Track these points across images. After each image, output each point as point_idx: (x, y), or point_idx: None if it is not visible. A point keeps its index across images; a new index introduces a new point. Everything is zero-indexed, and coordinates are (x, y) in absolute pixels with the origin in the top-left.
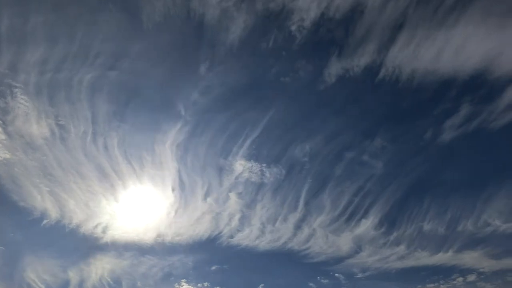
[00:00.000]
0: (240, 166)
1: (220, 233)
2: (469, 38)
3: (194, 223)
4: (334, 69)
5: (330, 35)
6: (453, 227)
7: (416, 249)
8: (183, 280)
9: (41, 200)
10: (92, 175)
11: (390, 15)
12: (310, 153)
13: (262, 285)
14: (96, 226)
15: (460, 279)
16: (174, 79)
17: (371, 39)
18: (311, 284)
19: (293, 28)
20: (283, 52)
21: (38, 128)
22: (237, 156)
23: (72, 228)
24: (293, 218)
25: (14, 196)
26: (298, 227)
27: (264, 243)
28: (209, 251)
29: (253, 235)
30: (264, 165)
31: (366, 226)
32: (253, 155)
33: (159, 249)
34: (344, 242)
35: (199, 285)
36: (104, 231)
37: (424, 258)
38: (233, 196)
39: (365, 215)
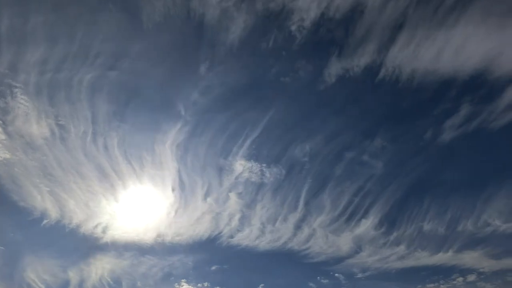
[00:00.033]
0: (240, 166)
1: (220, 233)
2: (469, 38)
3: (194, 223)
4: (334, 69)
5: (330, 35)
6: (453, 227)
7: (416, 249)
8: (183, 280)
9: (41, 200)
10: (92, 175)
11: (390, 15)
12: (310, 153)
13: (262, 285)
14: (96, 226)
15: (460, 279)
16: (174, 79)
17: (371, 39)
18: (311, 284)
19: (293, 28)
20: (283, 52)
21: (38, 128)
22: (237, 156)
23: (72, 228)
24: (293, 218)
25: (14, 196)
26: (298, 227)
27: (264, 243)
28: (209, 251)
29: (253, 235)
30: (264, 165)
31: (366, 226)
32: (253, 155)
33: (159, 249)
34: (344, 242)
35: (199, 285)
36: (104, 231)
37: (424, 258)
38: (233, 196)
39: (365, 215)
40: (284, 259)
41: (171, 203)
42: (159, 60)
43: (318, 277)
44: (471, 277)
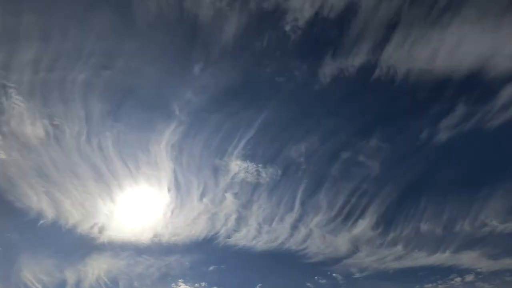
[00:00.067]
0: (236, 166)
1: (217, 233)
2: (464, 37)
3: (191, 223)
4: (329, 68)
5: (325, 35)
6: (450, 227)
7: (414, 249)
8: (180, 280)
9: (37, 200)
10: (87, 176)
11: (384, 15)
12: (305, 153)
13: (259, 285)
14: (92, 227)
15: (458, 279)
16: (168, 79)
17: (366, 38)
18: (308, 284)
19: (287, 27)
20: (278, 52)
21: (33, 129)
22: (232, 156)
23: (69, 229)
24: (290, 218)
25: (10, 196)
26: (294, 227)
27: (261, 243)
28: (206, 251)
29: (250, 235)
30: (260, 165)
31: (363, 226)
32: (248, 156)
33: (156, 249)
34: (341, 242)
35: (196, 285)
36: (100, 231)
37: (421, 259)
38: (229, 196)
39: (361, 215)
40: (281, 259)
41: (167, 204)
42: (153, 59)
43: (316, 277)
44: (469, 277)
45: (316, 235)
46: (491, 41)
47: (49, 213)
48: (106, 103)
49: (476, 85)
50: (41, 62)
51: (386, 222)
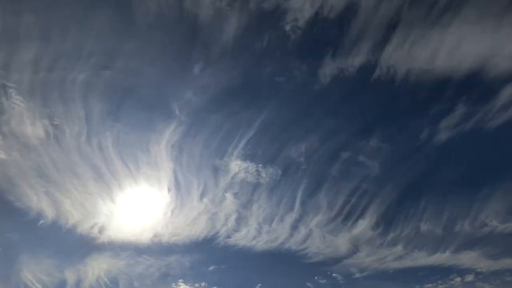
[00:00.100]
0: (236, 166)
1: (217, 233)
2: (464, 37)
3: (191, 223)
4: (329, 68)
5: (325, 35)
6: (450, 227)
7: (414, 249)
8: (180, 280)
9: (37, 200)
10: (87, 176)
11: (384, 15)
12: (305, 153)
13: (259, 285)
14: (92, 227)
15: (458, 279)
16: (168, 79)
17: (366, 38)
18: (308, 284)
19: (287, 28)
20: (278, 52)
21: (33, 129)
22: (232, 156)
23: (69, 229)
24: (290, 218)
25: (10, 196)
26: (295, 227)
27: (261, 243)
28: (206, 251)
29: (250, 235)
30: (260, 165)
31: (363, 226)
32: (248, 155)
33: (156, 249)
34: (341, 242)
35: (196, 285)
36: (100, 231)
37: (421, 259)
38: (229, 196)
39: (361, 215)
40: (281, 259)
41: (167, 204)
42: (153, 59)
43: (316, 277)
44: (469, 277)
45: (316, 235)
46: (491, 41)
47: (49, 213)
48: (106, 103)
49: (476, 85)
50: (41, 62)
51: (386, 222)
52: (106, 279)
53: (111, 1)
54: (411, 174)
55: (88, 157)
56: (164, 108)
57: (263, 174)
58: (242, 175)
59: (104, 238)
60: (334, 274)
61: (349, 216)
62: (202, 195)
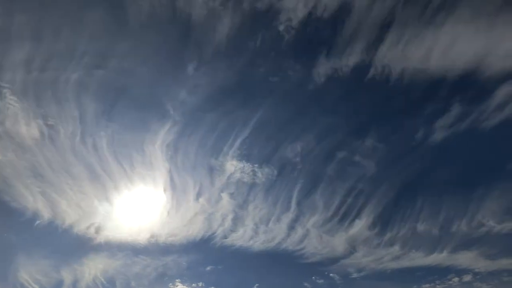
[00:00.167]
0: (232, 166)
1: (213, 233)
2: (458, 37)
3: (187, 223)
4: (323, 68)
5: (318, 35)
6: (447, 227)
7: (411, 249)
8: (177, 280)
9: (33, 200)
10: (83, 176)
11: (378, 14)
12: (301, 153)
13: (256, 285)
14: (89, 227)
15: (456, 279)
16: (162, 78)
17: (360, 38)
18: (306, 284)
19: (281, 27)
20: (272, 51)
21: (27, 129)
22: (228, 156)
23: (65, 229)
24: (286, 218)
25: (6, 196)
26: (291, 227)
27: (258, 244)
28: (203, 252)
29: (247, 236)
30: (256, 165)
31: (360, 226)
32: (244, 155)
33: (153, 249)
34: (338, 242)
35: (193, 285)
36: (97, 231)
37: (418, 259)
38: (225, 196)
39: (358, 215)
40: (278, 259)
41: (163, 204)
42: (146, 59)
43: (313, 277)
44: (467, 277)
45: (313, 235)
46: (485, 40)
47: (45, 213)
48: (99, 103)
49: (471, 85)
50: (34, 62)
51: (382, 222)
52: (103, 279)
53: (103, 0)
54: (407, 174)
55: (83, 157)
56: (158, 108)
57: (259, 174)
58: (238, 175)
59: (100, 238)
60: (331, 274)
61: (345, 216)
62: (198, 195)
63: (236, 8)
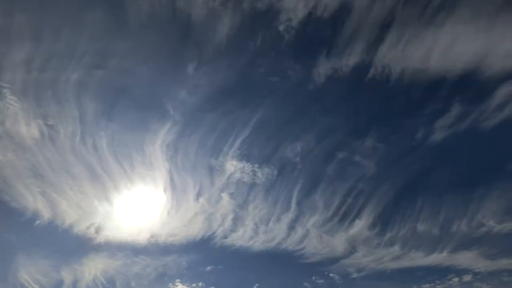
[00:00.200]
0: (232, 166)
1: (213, 233)
2: (458, 37)
3: (187, 223)
4: (323, 68)
5: (318, 35)
6: (447, 227)
7: (411, 249)
8: (177, 280)
9: (33, 200)
10: (83, 176)
11: (378, 14)
12: (301, 153)
13: (256, 285)
14: (89, 227)
15: (456, 279)
16: (162, 78)
17: (360, 38)
18: (306, 284)
19: (281, 27)
20: (272, 51)
21: (27, 129)
22: (228, 156)
23: (65, 229)
24: (286, 218)
25: (6, 196)
26: (291, 227)
27: (258, 244)
28: (203, 252)
29: (247, 236)
30: (256, 165)
31: (360, 226)
32: (244, 155)
33: (153, 249)
34: (338, 242)
35: (193, 285)
36: (97, 231)
37: (418, 259)
38: (225, 196)
39: (358, 215)
40: (278, 259)
41: (163, 204)
42: (146, 59)
43: (313, 277)
44: (467, 277)
45: (313, 235)
46: (485, 40)
47: (45, 213)
48: (99, 103)
49: (471, 85)
50: (34, 62)
51: (382, 222)
52: (103, 279)
53: (103, 0)
54: (407, 174)
55: (83, 157)
56: (158, 108)
57: (259, 174)
58: (238, 175)
59: (100, 238)
60: (331, 274)
61: (345, 216)
62: (198, 195)
63: (236, 8)
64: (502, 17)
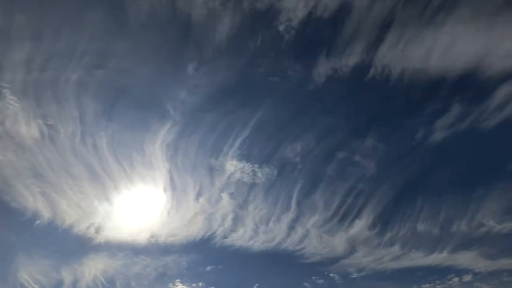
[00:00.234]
0: (232, 166)
1: (213, 233)
2: (458, 37)
3: (187, 223)
4: (323, 68)
5: (318, 35)
6: (447, 227)
7: (411, 249)
8: (177, 280)
9: (33, 200)
10: (83, 176)
11: (378, 14)
12: (301, 153)
13: (256, 285)
14: (89, 227)
15: (456, 279)
16: (162, 78)
17: (360, 38)
18: (306, 284)
19: (281, 27)
20: (272, 51)
21: (27, 129)
22: (228, 156)
23: (65, 229)
24: (286, 218)
25: (6, 196)
26: (291, 227)
27: (258, 244)
28: (203, 252)
29: (247, 236)
30: (256, 165)
31: (360, 226)
32: (244, 155)
33: (153, 249)
34: (338, 242)
35: (193, 285)
36: (97, 231)
37: (418, 259)
38: (225, 196)
39: (358, 215)
40: (278, 259)
41: (164, 204)
42: (146, 59)
43: (313, 277)
44: (467, 277)
45: (313, 235)
46: (485, 40)
47: (45, 213)
48: (99, 103)
49: (471, 85)
50: (34, 62)
51: (382, 222)
52: (103, 279)
53: (103, 0)
54: (407, 174)
55: (83, 157)
56: (158, 108)
57: (259, 174)
58: (238, 175)
59: (100, 238)
60: (331, 274)
61: (345, 216)
62: (198, 195)
63: (236, 8)
64: (502, 17)
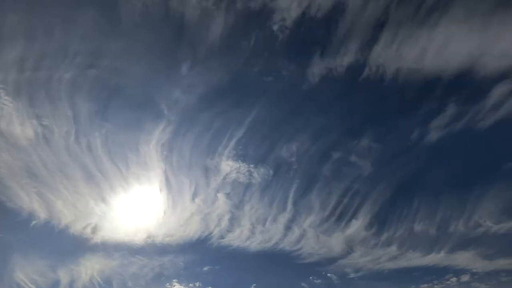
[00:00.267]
0: (227, 166)
1: (210, 233)
2: (452, 37)
3: (184, 223)
4: (317, 68)
5: (312, 34)
6: (444, 227)
7: (408, 249)
8: (174, 280)
9: (29, 201)
10: (78, 176)
11: (372, 14)
12: (297, 153)
13: (254, 285)
14: (85, 227)
15: (454, 279)
16: (155, 78)
17: (354, 38)
18: (303, 284)
19: (275, 27)
20: (266, 51)
21: (22, 129)
22: (223, 156)
23: (61, 229)
24: (283, 218)
25: (1, 196)
26: (288, 227)
27: (255, 244)
28: (200, 252)
29: (243, 236)
30: (251, 165)
31: (357, 226)
32: (240, 155)
33: (150, 249)
34: (335, 242)
35: (190, 285)
36: (93, 231)
37: (416, 259)
38: (221, 196)
39: (355, 215)
40: (276, 260)
41: (160, 204)
42: (139, 59)
43: (311, 277)
44: (465, 278)
45: (310, 235)
46: (480, 40)
47: (41, 214)
48: (93, 102)
49: (466, 85)
50: (27, 62)
51: (379, 222)
52: (99, 279)
53: (96, 0)
54: (403, 174)
55: (77, 157)
56: (153, 108)
57: (255, 174)
58: (233, 175)
59: (97, 238)
60: (329, 274)
61: (342, 216)
62: (194, 196)
63: (229, 8)
64: (496, 17)
